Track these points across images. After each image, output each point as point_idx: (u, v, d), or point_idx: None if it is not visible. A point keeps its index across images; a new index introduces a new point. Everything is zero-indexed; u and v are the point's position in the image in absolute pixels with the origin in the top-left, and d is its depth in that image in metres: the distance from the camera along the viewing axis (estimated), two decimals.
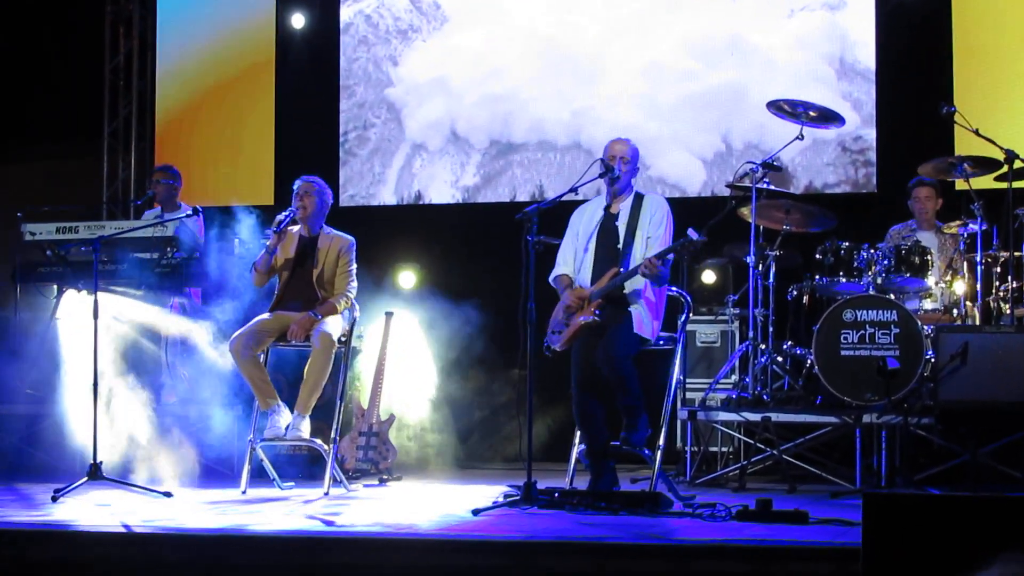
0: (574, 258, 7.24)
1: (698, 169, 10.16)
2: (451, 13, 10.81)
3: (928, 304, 8.29)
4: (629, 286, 7.00)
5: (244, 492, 7.40)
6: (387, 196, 10.82)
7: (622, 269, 6.99)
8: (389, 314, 8.90)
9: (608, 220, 7.19)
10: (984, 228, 7.98)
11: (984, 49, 9.60)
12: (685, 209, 8.23)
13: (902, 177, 8.87)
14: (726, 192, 8.91)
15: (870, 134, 9.80)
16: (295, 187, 7.86)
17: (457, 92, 10.73)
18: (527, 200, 10.37)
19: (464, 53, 10.73)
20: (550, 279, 7.26)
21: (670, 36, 10.26)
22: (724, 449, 8.62)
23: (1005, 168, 7.88)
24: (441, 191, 10.73)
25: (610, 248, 7.11)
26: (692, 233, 6.74)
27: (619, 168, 7.11)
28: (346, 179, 10.91)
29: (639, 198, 7.19)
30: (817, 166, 9.90)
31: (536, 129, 10.54)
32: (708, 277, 9.37)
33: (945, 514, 4.54)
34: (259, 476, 7.66)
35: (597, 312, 6.95)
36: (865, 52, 9.84)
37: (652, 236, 7.05)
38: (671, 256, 6.90)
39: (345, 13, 11.02)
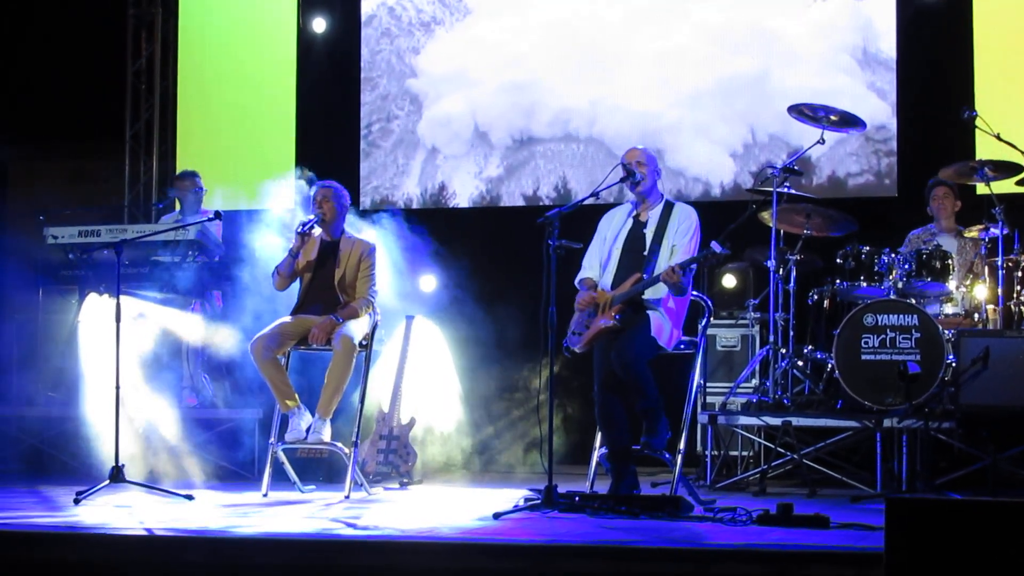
0: (599, 262, 7.25)
1: (720, 159, 10.11)
2: (473, 5, 10.82)
3: (949, 308, 8.26)
4: (650, 293, 6.98)
5: (265, 495, 7.41)
6: (411, 187, 10.83)
7: (645, 276, 6.99)
8: (410, 317, 8.92)
9: (636, 227, 7.18)
10: (1005, 232, 7.96)
11: (1006, 53, 9.55)
12: (708, 214, 8.21)
13: (924, 181, 8.84)
14: (746, 181, 8.88)
15: (893, 123, 9.77)
16: (312, 193, 7.87)
17: (480, 83, 10.74)
18: (550, 192, 10.41)
19: (487, 44, 10.73)
20: (576, 282, 7.26)
21: (690, 25, 10.24)
22: (744, 453, 8.61)
23: None
24: (464, 182, 10.73)
25: (636, 254, 7.10)
26: (715, 246, 6.72)
27: (639, 172, 7.10)
28: (370, 171, 10.91)
29: (669, 206, 7.19)
30: (840, 155, 9.86)
31: (559, 120, 10.54)
32: (729, 281, 9.36)
33: (966, 519, 4.54)
34: (280, 479, 7.67)
35: (617, 316, 6.95)
36: (887, 43, 9.81)
37: (678, 244, 7.03)
38: (694, 267, 6.90)
39: (367, 6, 11.03)
